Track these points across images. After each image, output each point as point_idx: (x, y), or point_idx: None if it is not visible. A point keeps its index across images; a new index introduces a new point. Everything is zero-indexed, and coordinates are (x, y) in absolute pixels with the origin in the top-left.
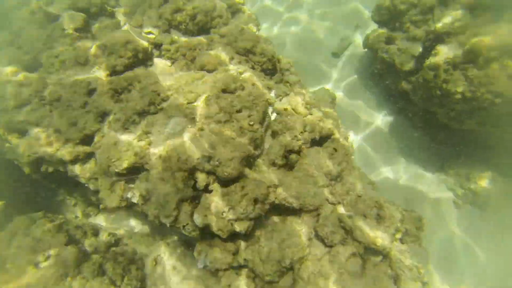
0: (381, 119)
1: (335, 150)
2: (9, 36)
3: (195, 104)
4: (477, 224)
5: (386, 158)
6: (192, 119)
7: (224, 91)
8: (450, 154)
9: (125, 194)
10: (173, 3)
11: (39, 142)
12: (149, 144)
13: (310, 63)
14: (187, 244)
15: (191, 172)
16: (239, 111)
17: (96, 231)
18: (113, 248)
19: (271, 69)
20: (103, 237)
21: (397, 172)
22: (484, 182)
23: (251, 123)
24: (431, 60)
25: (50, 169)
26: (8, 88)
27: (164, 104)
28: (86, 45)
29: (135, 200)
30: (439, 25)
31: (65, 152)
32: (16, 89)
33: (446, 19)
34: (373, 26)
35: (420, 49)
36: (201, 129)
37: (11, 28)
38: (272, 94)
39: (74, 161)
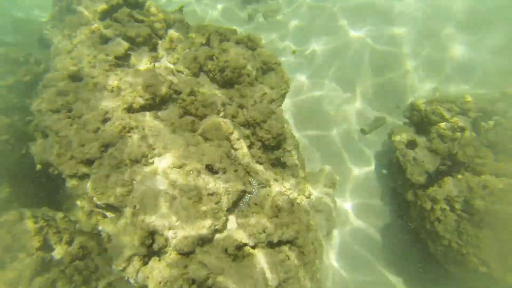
0: (383, 215)
1: (288, 258)
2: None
3: (178, 170)
4: None
5: (373, 254)
6: (172, 184)
7: (208, 167)
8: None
9: (98, 225)
10: (210, 49)
11: (51, 150)
12: (130, 192)
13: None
14: None
15: (152, 233)
16: (210, 194)
17: (71, 240)
18: (77, 262)
19: (274, 145)
20: (74, 247)
21: (375, 274)
22: None
23: (216, 210)
24: (433, 190)
25: (56, 172)
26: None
27: (154, 160)
28: (119, 75)
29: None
30: (460, 152)
31: (66, 166)
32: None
33: (470, 149)
34: None
35: (435, 167)
36: (174, 198)
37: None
38: (254, 182)
39: (72, 176)
